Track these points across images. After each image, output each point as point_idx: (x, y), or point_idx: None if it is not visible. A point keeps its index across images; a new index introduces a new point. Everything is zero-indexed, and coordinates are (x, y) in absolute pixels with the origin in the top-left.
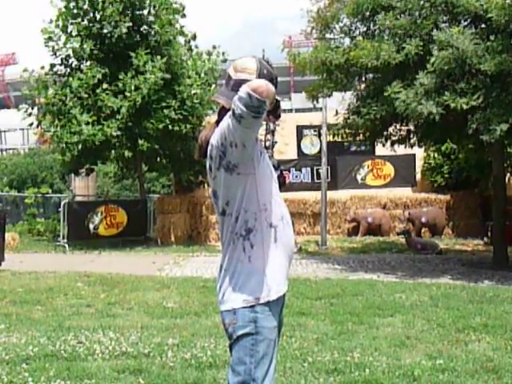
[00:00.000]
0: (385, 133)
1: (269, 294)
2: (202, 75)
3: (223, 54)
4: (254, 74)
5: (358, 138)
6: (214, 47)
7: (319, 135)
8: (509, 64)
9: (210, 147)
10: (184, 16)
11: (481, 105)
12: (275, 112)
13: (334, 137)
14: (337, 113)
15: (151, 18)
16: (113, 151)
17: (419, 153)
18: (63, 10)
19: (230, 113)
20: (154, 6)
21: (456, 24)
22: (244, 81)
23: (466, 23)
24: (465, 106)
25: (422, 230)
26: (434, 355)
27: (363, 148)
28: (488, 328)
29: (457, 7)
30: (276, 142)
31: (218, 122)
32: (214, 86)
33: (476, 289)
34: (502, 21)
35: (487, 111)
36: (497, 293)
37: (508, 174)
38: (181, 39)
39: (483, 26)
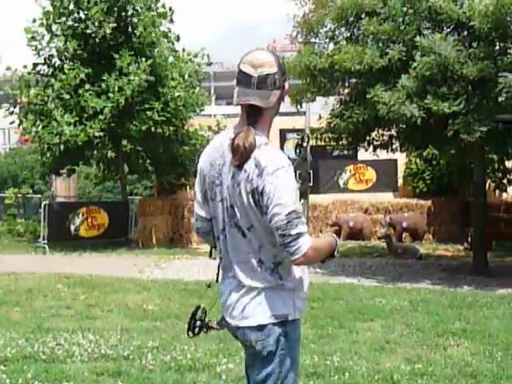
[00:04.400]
0: (367, 137)
1: (295, 312)
2: (186, 77)
3: (208, 56)
4: (274, 65)
5: (340, 143)
6: (202, 49)
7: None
8: (490, 70)
9: (258, 171)
10: (172, 21)
11: (462, 110)
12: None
13: (316, 141)
14: (320, 117)
15: (135, 20)
16: (95, 152)
17: (401, 158)
18: (48, 9)
19: (284, 221)
20: (141, 8)
21: (439, 31)
22: (268, 75)
23: (448, 30)
24: (446, 110)
25: (403, 235)
26: (413, 360)
27: (346, 152)
28: (467, 333)
29: (440, 14)
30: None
31: (250, 124)
32: (198, 88)
33: (455, 294)
34: (485, 28)
35: (468, 116)
36: (476, 298)
37: (488, 181)
38: (164, 41)
39: (466, 33)
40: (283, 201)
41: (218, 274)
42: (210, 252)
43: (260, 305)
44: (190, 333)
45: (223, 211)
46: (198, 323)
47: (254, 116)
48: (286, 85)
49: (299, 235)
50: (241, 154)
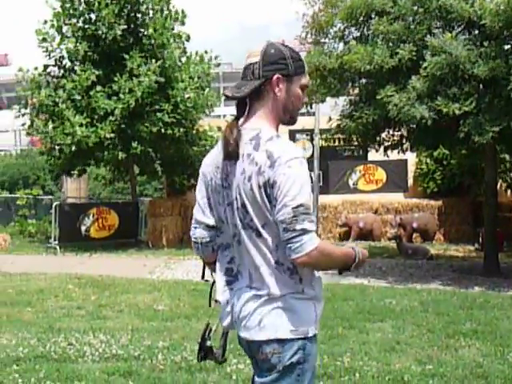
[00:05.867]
0: (377, 138)
1: (316, 327)
2: (196, 79)
3: (216, 57)
4: (258, 55)
5: (350, 143)
6: (206, 52)
7: (312, 139)
8: (501, 70)
9: (271, 162)
10: (183, 24)
11: (473, 110)
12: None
13: (326, 142)
14: (330, 119)
15: (146, 21)
16: (106, 153)
17: (411, 158)
18: (58, 10)
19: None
20: (152, 9)
21: (449, 30)
22: (249, 65)
23: (459, 29)
24: (457, 112)
25: (413, 236)
26: (423, 360)
27: (355, 153)
28: (478, 334)
29: (450, 13)
30: None
31: (238, 117)
32: (207, 89)
33: (466, 295)
34: (496, 27)
35: (479, 116)
36: (487, 299)
37: (500, 181)
38: (175, 42)
39: (477, 32)
40: (293, 192)
41: (210, 296)
42: (203, 272)
43: (280, 317)
44: (200, 357)
45: (233, 214)
46: (208, 343)
47: (240, 109)
48: (275, 77)
49: (304, 232)
50: (226, 144)
